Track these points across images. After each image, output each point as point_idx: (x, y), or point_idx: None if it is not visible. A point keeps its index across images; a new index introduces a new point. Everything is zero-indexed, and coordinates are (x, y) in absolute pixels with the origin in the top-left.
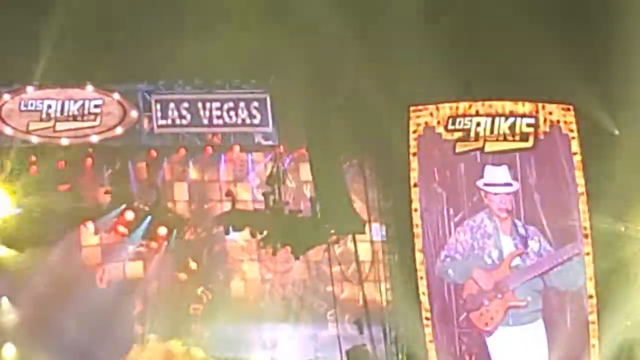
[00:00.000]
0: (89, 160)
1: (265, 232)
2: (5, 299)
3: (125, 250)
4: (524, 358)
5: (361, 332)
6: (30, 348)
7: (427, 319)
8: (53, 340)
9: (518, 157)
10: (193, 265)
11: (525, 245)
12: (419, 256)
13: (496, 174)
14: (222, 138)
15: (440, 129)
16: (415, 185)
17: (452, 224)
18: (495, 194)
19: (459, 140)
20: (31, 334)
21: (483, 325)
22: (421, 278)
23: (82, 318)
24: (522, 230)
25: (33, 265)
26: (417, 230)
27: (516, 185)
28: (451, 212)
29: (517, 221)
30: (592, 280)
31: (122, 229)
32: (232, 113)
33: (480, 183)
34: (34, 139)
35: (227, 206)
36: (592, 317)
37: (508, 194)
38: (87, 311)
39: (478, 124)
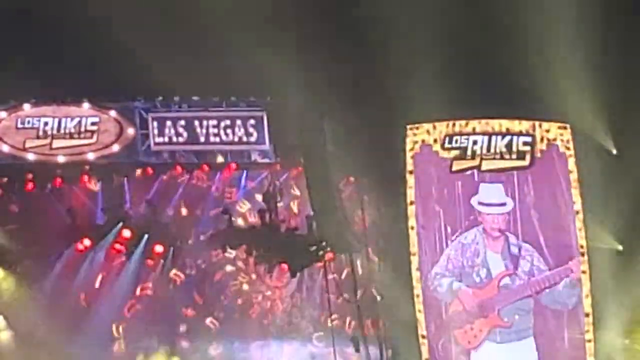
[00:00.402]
0: (85, 178)
1: (261, 250)
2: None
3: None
4: None
5: (357, 350)
6: None
7: (423, 337)
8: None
9: (515, 175)
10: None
11: (516, 266)
12: (415, 274)
13: (490, 192)
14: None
15: (437, 147)
16: (411, 203)
17: (449, 242)
18: (488, 214)
19: (455, 158)
20: (26, 352)
21: (466, 343)
22: (417, 296)
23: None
24: (514, 250)
25: (28, 283)
26: (414, 249)
27: (511, 204)
28: (448, 230)
29: (511, 239)
30: (589, 298)
31: (118, 246)
32: (228, 131)
33: (474, 201)
34: (31, 157)
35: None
36: (589, 336)
37: (501, 213)
38: (83, 330)
39: (475, 142)
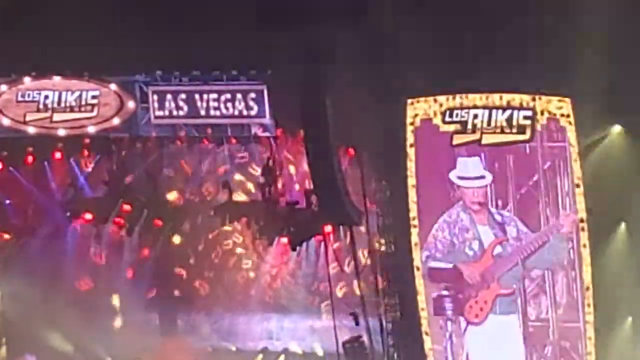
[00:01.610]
0: (86, 151)
1: (261, 223)
2: None
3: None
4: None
5: (357, 324)
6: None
7: (422, 309)
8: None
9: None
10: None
11: (504, 232)
12: (415, 247)
13: (468, 166)
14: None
15: (437, 121)
16: (412, 176)
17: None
18: (468, 187)
19: (456, 132)
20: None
21: (473, 317)
22: (417, 268)
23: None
24: (498, 217)
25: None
26: (414, 222)
27: (489, 178)
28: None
29: (491, 209)
30: (588, 270)
31: (119, 220)
32: (229, 104)
33: (452, 176)
34: (31, 130)
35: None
36: (589, 309)
37: (481, 187)
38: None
39: (475, 116)
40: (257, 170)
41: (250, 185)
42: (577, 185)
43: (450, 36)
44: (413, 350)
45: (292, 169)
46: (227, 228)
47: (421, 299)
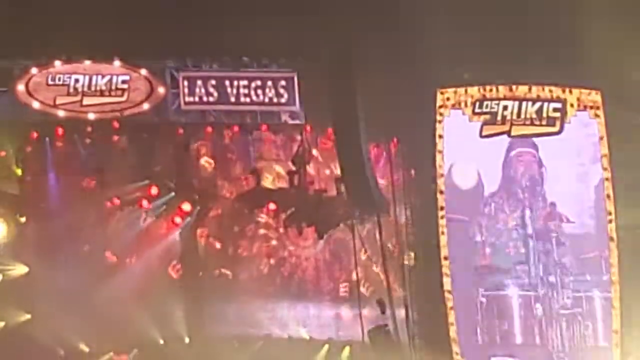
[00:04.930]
0: (115, 136)
1: (289, 212)
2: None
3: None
4: None
5: (383, 312)
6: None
7: (449, 299)
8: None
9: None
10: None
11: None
12: (442, 237)
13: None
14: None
15: (467, 112)
16: (441, 167)
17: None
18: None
19: (485, 123)
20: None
21: None
22: (445, 258)
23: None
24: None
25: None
26: (442, 212)
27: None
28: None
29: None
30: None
31: (145, 204)
32: (259, 92)
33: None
34: (61, 113)
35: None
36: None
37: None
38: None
39: (505, 108)
40: (286, 158)
41: (279, 173)
42: (607, 179)
43: (482, 27)
44: (439, 339)
45: (320, 157)
46: (255, 216)
47: (447, 289)
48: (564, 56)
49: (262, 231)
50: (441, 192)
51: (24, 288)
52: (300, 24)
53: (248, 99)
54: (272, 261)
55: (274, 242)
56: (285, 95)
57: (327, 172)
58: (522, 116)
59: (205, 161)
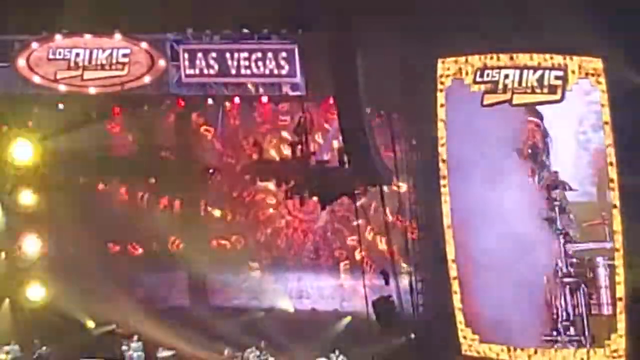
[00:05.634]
0: (117, 110)
1: (292, 182)
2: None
3: None
4: None
5: (387, 283)
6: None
7: (452, 261)
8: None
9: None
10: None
11: None
12: (445, 206)
13: None
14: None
15: (468, 81)
16: (442, 136)
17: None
18: None
19: (487, 92)
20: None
21: None
22: (448, 227)
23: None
24: None
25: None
26: (444, 181)
27: None
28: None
29: None
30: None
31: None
32: (260, 63)
33: None
34: (62, 88)
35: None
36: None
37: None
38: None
39: (506, 76)
40: (288, 129)
41: (282, 144)
42: (609, 146)
43: None
44: (442, 309)
45: (323, 127)
46: (259, 186)
47: (451, 258)
48: (565, 24)
49: (266, 202)
50: (443, 161)
51: None
52: None
53: (249, 71)
54: (276, 231)
55: (279, 213)
56: (286, 67)
57: (336, 143)
58: (524, 84)
59: (205, 130)
